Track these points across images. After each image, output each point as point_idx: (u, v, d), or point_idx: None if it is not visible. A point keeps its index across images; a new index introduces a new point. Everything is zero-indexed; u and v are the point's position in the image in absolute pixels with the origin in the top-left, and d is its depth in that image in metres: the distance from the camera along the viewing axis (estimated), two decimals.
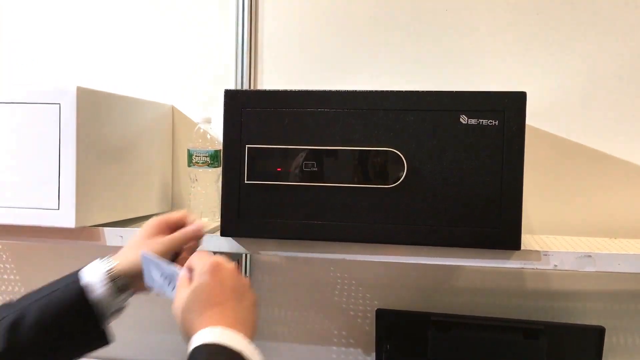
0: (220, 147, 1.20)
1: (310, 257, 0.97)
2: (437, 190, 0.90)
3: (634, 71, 1.12)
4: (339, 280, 1.28)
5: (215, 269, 0.71)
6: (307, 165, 0.93)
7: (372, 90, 0.92)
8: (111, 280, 0.80)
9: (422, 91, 0.91)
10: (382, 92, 0.92)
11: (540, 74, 1.16)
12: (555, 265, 0.91)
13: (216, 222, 1.18)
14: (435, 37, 1.19)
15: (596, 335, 1.12)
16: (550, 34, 1.15)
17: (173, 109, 1.30)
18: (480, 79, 1.17)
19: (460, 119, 0.90)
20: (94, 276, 0.80)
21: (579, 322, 1.17)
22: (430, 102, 0.91)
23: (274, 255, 0.98)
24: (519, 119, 0.89)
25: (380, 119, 0.91)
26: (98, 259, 0.83)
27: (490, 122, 0.89)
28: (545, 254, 0.91)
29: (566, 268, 0.91)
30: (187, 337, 0.67)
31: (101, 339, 0.81)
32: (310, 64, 1.25)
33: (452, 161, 0.90)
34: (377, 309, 1.21)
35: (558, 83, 1.15)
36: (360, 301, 1.27)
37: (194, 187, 1.21)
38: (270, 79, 1.26)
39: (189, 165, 1.20)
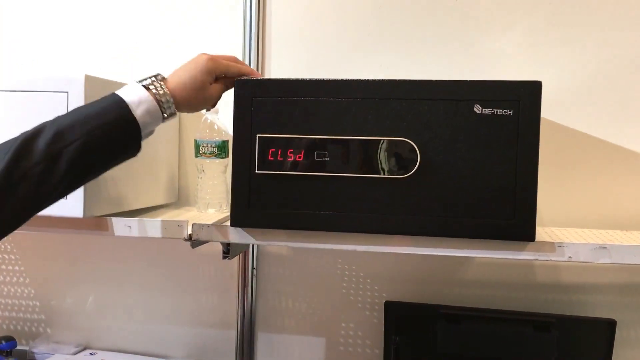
0: (227, 137, 1.19)
1: (319, 248, 0.96)
2: (451, 180, 0.89)
3: None
4: (346, 272, 1.27)
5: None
6: (318, 155, 0.92)
7: (384, 80, 0.91)
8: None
9: (436, 80, 0.90)
10: (394, 81, 0.91)
11: (551, 64, 1.14)
12: (570, 257, 0.90)
13: (223, 213, 1.18)
14: (446, 26, 1.18)
15: (607, 328, 1.11)
16: (562, 24, 1.14)
17: None
18: (493, 70, 1.16)
19: (475, 109, 0.89)
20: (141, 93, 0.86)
21: (589, 314, 1.16)
22: (444, 91, 0.89)
23: (284, 246, 0.96)
24: (534, 109, 0.88)
25: (393, 108, 0.90)
26: (147, 82, 0.89)
27: (504, 112, 0.88)
28: (560, 245, 0.90)
29: (581, 260, 0.90)
30: None
31: (135, 150, 0.88)
32: (319, 53, 1.24)
33: (466, 151, 0.89)
34: (386, 301, 1.20)
35: (569, 73, 1.14)
36: (369, 293, 1.26)
37: (201, 178, 1.20)
38: (278, 69, 1.25)
39: (196, 156, 1.18)
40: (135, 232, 1.01)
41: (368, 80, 0.91)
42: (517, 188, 0.88)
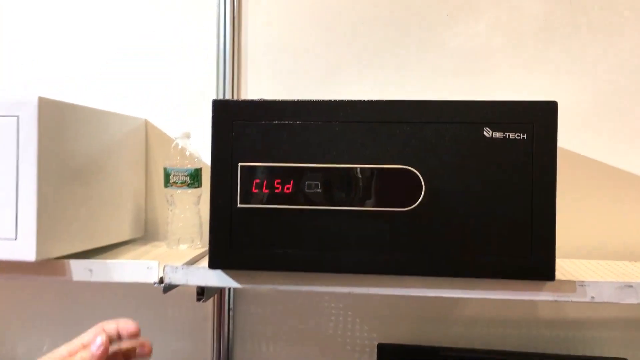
0: (200, 165, 1.07)
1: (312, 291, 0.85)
2: (459, 214, 0.79)
3: None
4: (334, 312, 1.16)
5: None
6: (309, 186, 0.81)
7: (383, 100, 0.81)
8: None
9: (441, 101, 0.80)
10: (394, 102, 0.81)
11: (550, 87, 1.07)
12: (593, 297, 0.80)
13: (197, 249, 1.05)
14: (442, 41, 1.09)
15: None
16: (558, 46, 1.06)
17: (146, 122, 1.17)
18: (494, 90, 1.07)
19: (484, 132, 0.79)
20: None
21: (598, 353, 1.07)
22: (449, 113, 0.80)
23: (273, 289, 0.84)
24: (551, 132, 0.79)
25: (393, 132, 0.80)
26: None
27: (517, 136, 0.79)
28: (581, 284, 0.81)
29: (605, 300, 0.80)
30: None
31: None
32: (302, 72, 1.13)
33: (475, 181, 0.79)
34: (379, 344, 1.09)
35: (568, 97, 1.06)
36: (358, 334, 1.15)
37: (171, 210, 1.07)
38: (257, 89, 1.14)
39: (166, 186, 1.06)
40: (97, 277, 0.88)
41: (364, 100, 0.81)
42: (533, 221, 0.79)
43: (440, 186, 0.79)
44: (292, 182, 0.81)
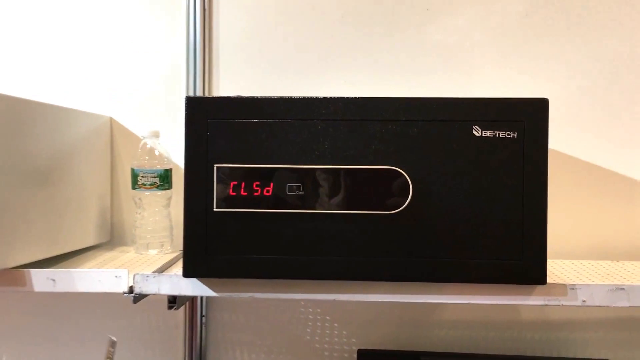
0: (171, 165, 1.02)
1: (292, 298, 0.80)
2: (448, 216, 0.76)
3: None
4: (311, 317, 1.11)
5: None
6: (291, 189, 0.76)
7: (368, 97, 0.77)
8: None
9: (428, 98, 0.77)
10: (380, 98, 0.77)
11: (532, 82, 1.04)
12: (584, 301, 0.78)
13: (167, 254, 1.00)
14: (419, 37, 1.06)
15: None
16: (539, 42, 1.04)
17: (111, 120, 1.10)
18: (476, 87, 1.04)
19: (473, 131, 0.76)
20: None
21: (580, 354, 1.06)
22: (437, 110, 0.76)
23: (250, 297, 0.80)
24: (541, 131, 0.76)
25: (378, 131, 0.76)
26: None
27: (507, 135, 0.76)
28: (572, 287, 0.78)
29: (596, 304, 0.78)
30: None
31: None
32: (278, 68, 1.08)
33: (464, 181, 0.76)
34: (359, 350, 1.05)
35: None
36: (336, 339, 1.11)
37: (139, 213, 1.02)
38: (230, 85, 1.08)
39: (134, 188, 1.00)
40: (61, 287, 0.82)
41: (348, 97, 0.77)
42: (524, 223, 0.75)
43: (428, 188, 0.76)
44: (272, 184, 0.76)
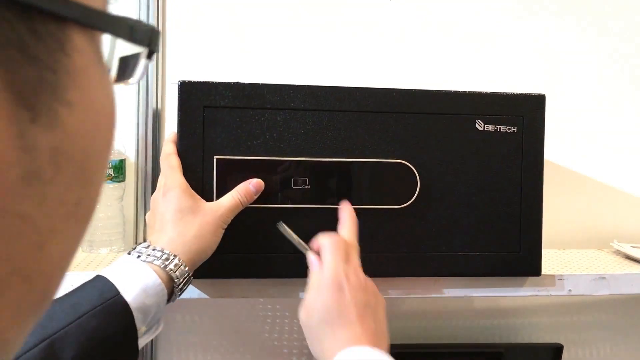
0: (123, 156, 0.92)
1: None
2: (454, 210, 0.75)
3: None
4: (269, 314, 1.06)
5: (342, 284, 0.61)
6: (296, 183, 0.72)
7: (375, 88, 0.74)
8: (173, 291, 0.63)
9: (437, 90, 0.75)
10: (387, 90, 0.74)
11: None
12: (570, 290, 0.81)
13: (120, 253, 0.91)
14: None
15: (554, 353, 1.06)
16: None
17: None
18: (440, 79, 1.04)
19: (476, 125, 0.76)
20: (145, 291, 0.59)
21: (534, 340, 1.10)
22: (444, 103, 0.75)
23: (255, 298, 0.74)
24: (539, 126, 0.77)
25: (385, 123, 0.74)
26: (136, 254, 0.63)
27: (508, 129, 0.76)
28: (560, 277, 0.81)
29: (581, 293, 0.81)
30: (322, 352, 0.61)
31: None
32: (238, 53, 1.01)
33: (468, 175, 0.76)
34: None
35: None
36: (296, 336, 1.07)
37: None
38: (181, 74, 1.00)
39: None
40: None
41: (354, 87, 0.73)
42: (522, 216, 0.77)
43: (435, 181, 0.75)
44: (276, 178, 0.71)
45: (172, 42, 0.99)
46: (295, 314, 1.04)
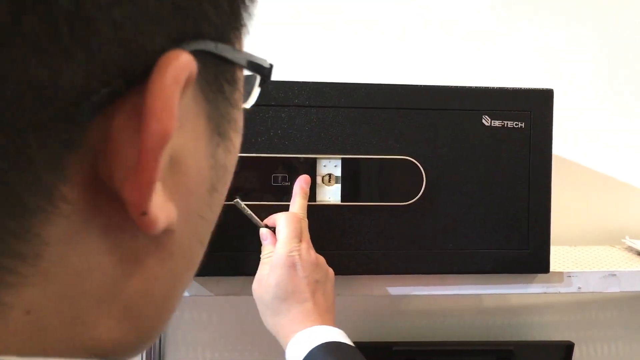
0: None
1: None
2: (461, 207, 0.75)
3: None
4: None
5: (295, 262, 0.65)
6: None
7: (380, 84, 0.73)
8: None
9: (442, 86, 0.75)
10: (392, 86, 0.74)
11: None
12: (580, 288, 0.80)
13: None
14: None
15: (565, 350, 1.05)
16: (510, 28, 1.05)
17: None
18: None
19: (483, 120, 0.75)
20: None
21: (545, 338, 1.09)
22: (450, 99, 0.74)
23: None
24: (547, 121, 0.76)
25: (391, 119, 0.73)
26: None
27: (515, 124, 0.75)
28: (569, 275, 0.80)
29: (590, 290, 0.80)
30: (275, 326, 0.67)
31: None
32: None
33: (475, 172, 0.75)
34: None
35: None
36: None
37: None
38: None
39: None
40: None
41: (359, 84, 0.73)
42: (530, 213, 0.76)
43: (441, 178, 0.74)
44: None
45: None
46: None
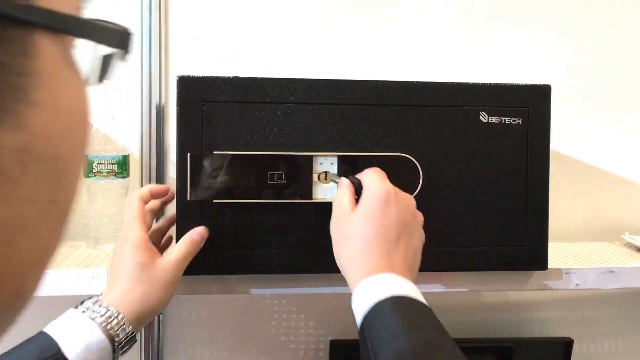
0: (127, 151, 0.92)
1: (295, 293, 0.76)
2: (457, 204, 0.74)
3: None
4: (275, 309, 1.06)
5: (389, 199, 0.61)
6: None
7: (376, 80, 0.73)
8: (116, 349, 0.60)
9: (439, 82, 0.74)
10: (388, 82, 0.73)
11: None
12: (578, 284, 0.80)
13: None
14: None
15: (565, 347, 1.04)
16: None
17: None
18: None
19: (480, 117, 0.75)
20: (89, 348, 0.57)
21: (545, 334, 1.09)
22: (447, 95, 0.74)
23: (260, 294, 0.74)
24: (544, 117, 0.76)
25: (387, 115, 0.73)
26: (82, 309, 0.61)
27: (513, 121, 0.75)
28: (567, 271, 0.80)
29: (588, 287, 0.80)
30: (350, 267, 0.61)
31: None
32: (234, 49, 1.01)
33: (472, 168, 0.74)
34: (331, 340, 1.02)
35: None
36: (302, 331, 1.07)
37: (90, 204, 0.91)
38: (185, 69, 1.00)
39: (88, 176, 0.90)
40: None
41: (355, 80, 0.72)
42: (528, 209, 0.76)
43: (438, 175, 0.73)
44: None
45: (175, 38, 0.99)
46: (301, 310, 1.04)
